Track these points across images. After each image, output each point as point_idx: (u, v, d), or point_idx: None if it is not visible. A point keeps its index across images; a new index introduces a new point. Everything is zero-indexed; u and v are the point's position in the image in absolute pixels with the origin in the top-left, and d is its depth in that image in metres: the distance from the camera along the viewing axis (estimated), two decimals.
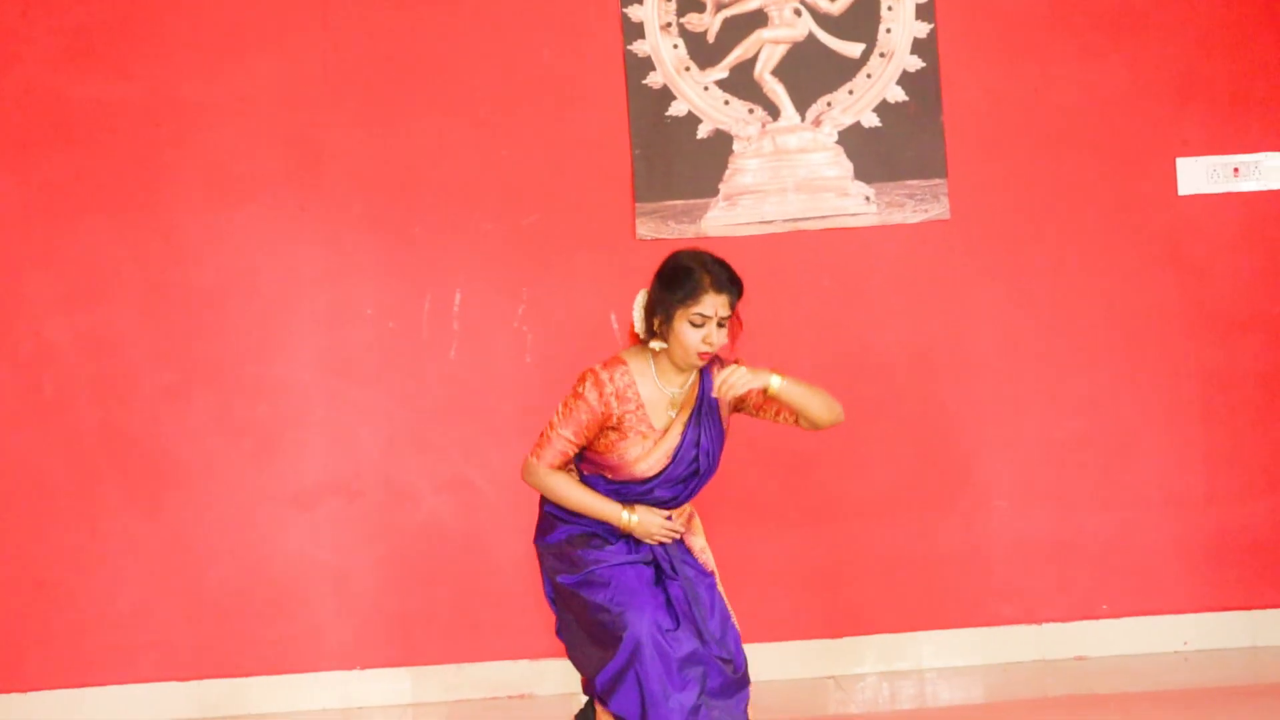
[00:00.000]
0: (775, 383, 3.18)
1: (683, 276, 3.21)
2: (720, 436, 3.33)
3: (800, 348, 4.41)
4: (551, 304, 4.37)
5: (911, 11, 4.42)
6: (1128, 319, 4.44)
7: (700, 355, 3.19)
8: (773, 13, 4.41)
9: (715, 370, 3.29)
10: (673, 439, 3.25)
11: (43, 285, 4.32)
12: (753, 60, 4.41)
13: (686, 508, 3.39)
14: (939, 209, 4.41)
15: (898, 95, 4.42)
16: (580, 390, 3.22)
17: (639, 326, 3.29)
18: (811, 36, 4.41)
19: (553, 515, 3.35)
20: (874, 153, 4.41)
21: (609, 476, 3.29)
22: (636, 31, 4.40)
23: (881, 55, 4.42)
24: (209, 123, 4.35)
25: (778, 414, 3.33)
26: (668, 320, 3.19)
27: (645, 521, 3.25)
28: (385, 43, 4.38)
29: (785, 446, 4.36)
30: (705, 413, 3.28)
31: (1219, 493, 4.43)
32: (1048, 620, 4.39)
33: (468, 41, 4.39)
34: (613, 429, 3.23)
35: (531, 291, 4.38)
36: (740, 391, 3.15)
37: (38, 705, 4.23)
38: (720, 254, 4.32)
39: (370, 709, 4.28)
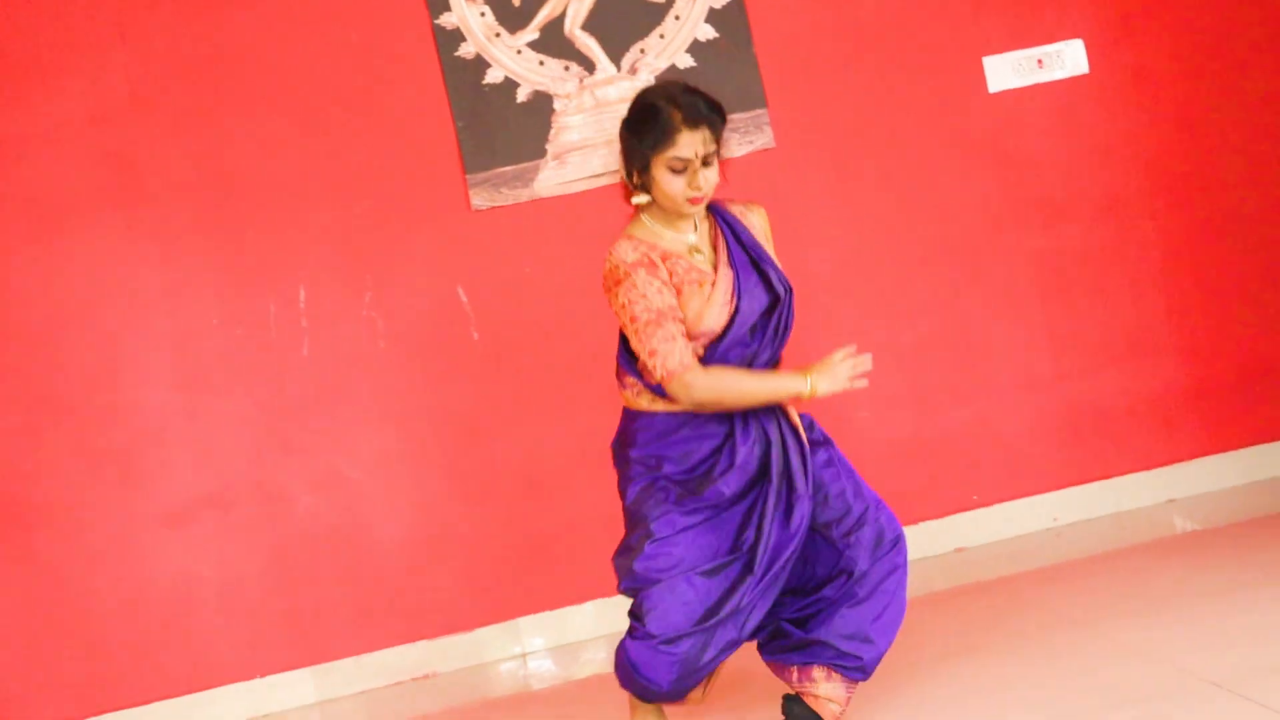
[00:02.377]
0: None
1: (649, 117, 2.85)
2: (783, 280, 3.00)
3: None
4: (397, 287, 4.37)
5: None
6: (958, 218, 4.58)
7: (691, 202, 2.85)
8: None
9: (734, 209, 3.02)
10: (726, 274, 2.89)
11: None
12: (561, 18, 4.42)
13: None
14: (763, 139, 4.49)
15: (708, 33, 4.48)
16: (628, 281, 2.84)
17: (628, 178, 2.94)
18: None
19: (630, 448, 3.02)
20: None
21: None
22: (442, 4, 4.38)
23: None
24: (18, 154, 4.25)
25: None
26: (645, 170, 2.86)
27: (828, 377, 2.91)
28: (187, 48, 4.31)
29: None
30: (745, 243, 2.95)
31: (1066, 371, 4.60)
32: (923, 519, 4.53)
33: (273, 36, 4.33)
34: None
35: (375, 277, 4.36)
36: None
37: None
38: (556, 214, 4.43)
39: (278, 714, 4.27)
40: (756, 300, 2.93)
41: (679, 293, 2.86)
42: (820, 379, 2.90)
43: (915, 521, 4.51)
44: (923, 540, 4.51)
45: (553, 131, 4.41)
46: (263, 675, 4.30)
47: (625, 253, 2.86)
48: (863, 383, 2.97)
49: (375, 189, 4.37)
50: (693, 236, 2.94)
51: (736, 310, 2.89)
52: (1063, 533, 4.51)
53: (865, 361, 2.93)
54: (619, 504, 3.12)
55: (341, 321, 4.35)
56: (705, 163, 2.85)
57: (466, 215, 4.38)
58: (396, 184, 4.37)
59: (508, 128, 4.38)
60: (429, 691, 4.22)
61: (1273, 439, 4.66)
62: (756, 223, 3.06)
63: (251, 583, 4.30)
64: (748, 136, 4.48)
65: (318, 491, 4.33)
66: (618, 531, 3.17)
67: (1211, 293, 4.65)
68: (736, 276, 2.90)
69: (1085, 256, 4.61)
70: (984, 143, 4.58)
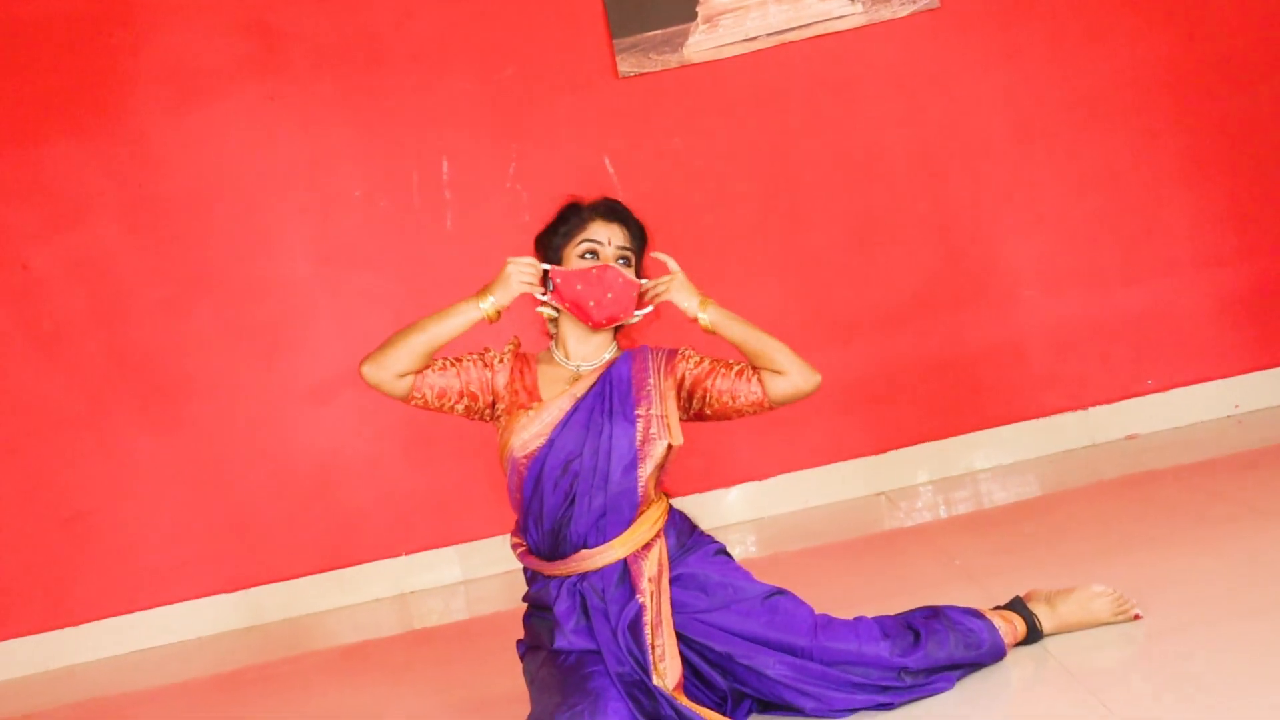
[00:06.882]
0: (705, 316, 2.60)
1: (565, 213, 2.68)
2: (629, 435, 2.54)
3: (802, 163, 4.27)
4: (541, 157, 4.23)
5: None
6: (1136, 80, 4.27)
7: None
8: None
9: (648, 358, 2.64)
10: (554, 410, 2.56)
11: (20, 215, 4.21)
12: None
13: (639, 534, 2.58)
14: None
15: None
16: (496, 352, 2.65)
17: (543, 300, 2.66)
18: None
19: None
20: None
21: (510, 498, 2.66)
22: None
23: None
24: (160, 24, 4.20)
25: (734, 402, 2.65)
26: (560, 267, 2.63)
27: (501, 282, 2.58)
28: None
29: (798, 267, 4.26)
30: (612, 396, 2.58)
31: (1251, 246, 4.30)
32: (1094, 404, 4.30)
33: None
34: (503, 411, 2.61)
35: (520, 147, 4.23)
36: (674, 298, 2.59)
37: (90, 636, 4.21)
38: (706, 81, 4.24)
39: (423, 592, 4.26)
40: (572, 442, 2.56)
41: (509, 412, 2.59)
42: (498, 290, 2.58)
43: (1084, 406, 4.29)
44: (1092, 426, 4.28)
45: None
46: (409, 553, 4.27)
47: (512, 345, 2.67)
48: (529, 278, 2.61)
49: (518, 55, 4.22)
50: (585, 365, 2.63)
51: (549, 443, 2.55)
52: (1244, 420, 4.23)
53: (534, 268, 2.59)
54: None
55: (485, 194, 4.24)
56: (621, 259, 2.61)
57: (613, 83, 4.21)
58: (540, 50, 4.22)
59: None
60: None
61: None
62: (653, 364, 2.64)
63: (397, 459, 4.27)
64: None
65: None
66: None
67: None
68: (571, 412, 2.57)
69: (1275, 121, 4.26)
70: None
